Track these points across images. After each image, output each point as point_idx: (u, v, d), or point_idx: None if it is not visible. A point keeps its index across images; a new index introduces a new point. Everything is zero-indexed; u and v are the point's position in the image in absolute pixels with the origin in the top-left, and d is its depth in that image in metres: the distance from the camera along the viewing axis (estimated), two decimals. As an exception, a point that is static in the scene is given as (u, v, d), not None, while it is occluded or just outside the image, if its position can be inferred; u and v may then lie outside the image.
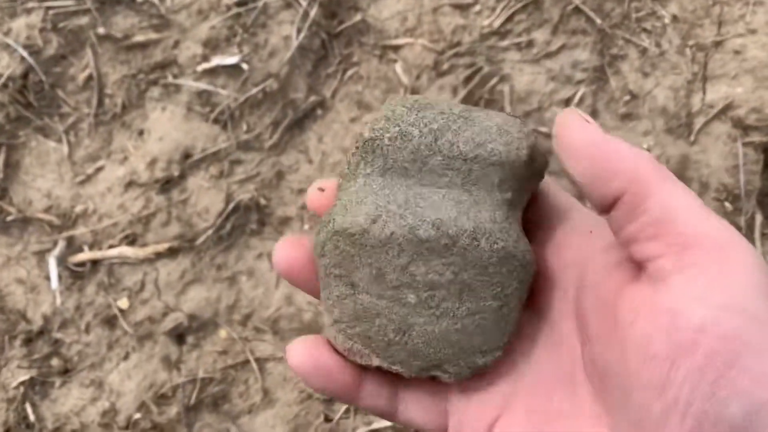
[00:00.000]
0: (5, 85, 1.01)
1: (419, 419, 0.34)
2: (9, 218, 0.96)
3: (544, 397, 0.31)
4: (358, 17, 1.02)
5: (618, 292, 0.28)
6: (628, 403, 0.26)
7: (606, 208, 0.28)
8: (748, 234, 0.90)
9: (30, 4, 1.05)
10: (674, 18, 0.99)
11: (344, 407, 0.85)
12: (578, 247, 0.33)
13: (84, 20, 1.05)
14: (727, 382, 0.23)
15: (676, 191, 0.26)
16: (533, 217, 0.34)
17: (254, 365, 0.88)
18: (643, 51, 0.98)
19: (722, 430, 0.23)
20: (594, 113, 0.96)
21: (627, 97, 0.96)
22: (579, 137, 0.28)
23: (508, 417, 0.32)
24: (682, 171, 0.92)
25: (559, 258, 0.34)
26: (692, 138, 0.94)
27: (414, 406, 0.34)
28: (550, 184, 0.34)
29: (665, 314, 0.25)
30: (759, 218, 0.90)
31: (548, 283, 0.34)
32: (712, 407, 0.23)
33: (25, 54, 1.02)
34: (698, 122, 0.94)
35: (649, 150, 0.94)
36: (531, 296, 0.34)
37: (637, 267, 0.28)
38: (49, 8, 1.05)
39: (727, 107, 0.94)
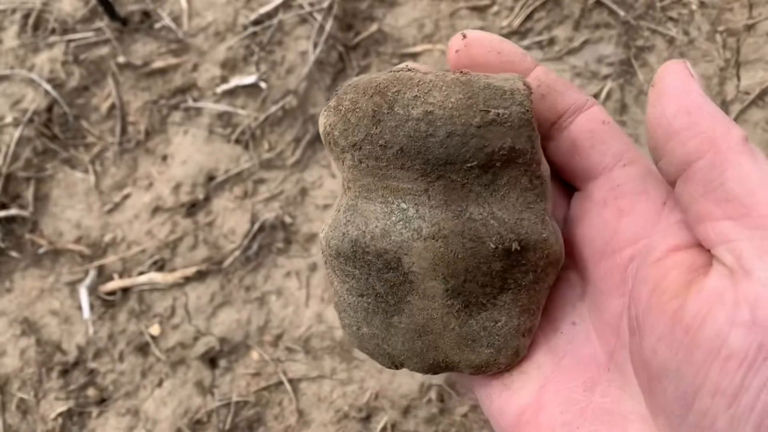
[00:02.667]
0: (31, 120, 1.02)
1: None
2: (41, 250, 0.97)
3: (582, 386, 0.28)
4: (374, 27, 1.01)
5: (686, 282, 0.25)
6: (688, 409, 0.23)
7: (677, 172, 0.25)
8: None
9: (51, 39, 1.07)
10: (701, 4, 0.96)
11: (381, 426, 0.83)
12: (639, 214, 0.28)
13: (104, 50, 1.06)
14: None
15: (761, 166, 0.23)
16: (577, 165, 0.30)
17: (288, 386, 0.86)
18: (671, 40, 0.94)
19: None
20: (623, 107, 0.92)
21: (657, 89, 0.93)
22: (675, 85, 0.25)
23: (538, 406, 0.29)
24: (720, 162, 0.89)
25: (613, 221, 0.29)
26: (729, 127, 0.90)
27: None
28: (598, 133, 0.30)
29: (745, 309, 0.22)
30: (806, 206, 0.86)
31: (597, 250, 0.29)
32: None
33: (48, 88, 1.03)
34: (734, 110, 0.90)
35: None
36: (579, 264, 0.30)
37: (707, 254, 0.25)
38: (70, 41, 1.06)
39: (764, 92, 0.90)
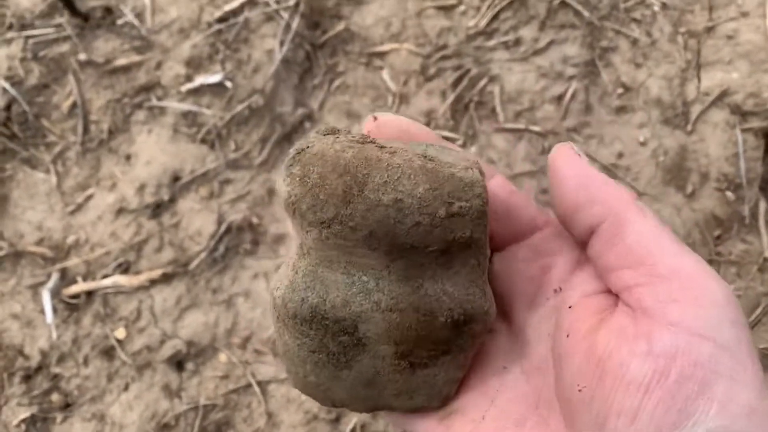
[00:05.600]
0: (-11, 119, 0.99)
1: None
2: (1, 253, 0.95)
3: (513, 423, 0.31)
4: (341, 26, 1.00)
5: (597, 322, 0.29)
6: (601, 430, 0.27)
7: (586, 235, 0.30)
8: (753, 222, 0.88)
9: (9, 35, 1.04)
10: (664, 5, 0.97)
11: (350, 427, 0.84)
12: (558, 270, 0.34)
13: (65, 47, 1.03)
14: (694, 408, 0.25)
15: (652, 223, 0.29)
16: (507, 229, 0.35)
17: (256, 388, 0.86)
18: (634, 41, 0.96)
19: None
20: (587, 108, 0.94)
21: (620, 90, 0.94)
22: (569, 167, 0.30)
23: None
24: (680, 162, 0.90)
25: (537, 277, 0.34)
26: (689, 127, 0.91)
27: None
28: (522, 197, 0.35)
29: (643, 342, 0.27)
30: (763, 206, 0.88)
31: (524, 302, 0.34)
32: None
33: (6, 86, 1.00)
34: (695, 111, 0.92)
35: (645, 142, 0.92)
36: (507, 314, 0.35)
37: (614, 297, 0.30)
38: (28, 37, 1.03)
39: (724, 94, 0.92)
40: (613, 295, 0.30)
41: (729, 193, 0.88)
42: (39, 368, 0.90)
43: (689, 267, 0.27)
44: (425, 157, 0.29)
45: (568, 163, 0.30)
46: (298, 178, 0.28)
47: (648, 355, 0.26)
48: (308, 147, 0.29)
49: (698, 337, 0.26)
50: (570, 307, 0.31)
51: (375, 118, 0.33)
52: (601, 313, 0.30)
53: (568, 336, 0.30)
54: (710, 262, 0.87)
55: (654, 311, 0.27)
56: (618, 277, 0.29)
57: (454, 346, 0.31)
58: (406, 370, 0.30)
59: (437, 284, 0.29)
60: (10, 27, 1.05)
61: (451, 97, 0.95)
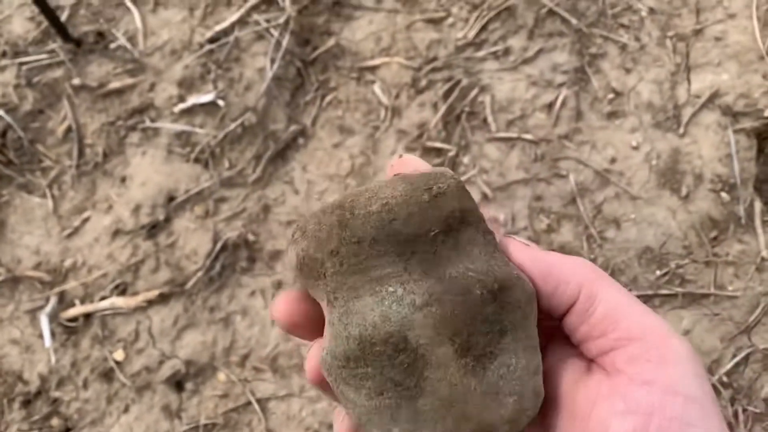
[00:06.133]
0: (-16, 146, 1.00)
1: None
2: (-1, 279, 0.95)
3: None
4: (332, 42, 1.01)
5: (574, 384, 0.32)
6: None
7: (563, 313, 0.32)
8: (749, 222, 0.87)
9: (3, 62, 1.05)
10: (651, 10, 0.98)
11: (351, 441, 0.83)
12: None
13: (58, 72, 1.04)
14: None
15: (617, 291, 0.31)
16: None
17: (256, 406, 0.86)
18: (623, 47, 0.96)
19: None
20: (578, 115, 0.94)
21: (611, 95, 0.94)
22: (524, 258, 0.32)
23: None
24: (674, 165, 0.90)
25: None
26: (681, 130, 0.91)
27: None
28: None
29: (619, 400, 0.29)
30: (758, 205, 0.88)
31: None
32: None
33: (1, 112, 1.01)
34: (686, 113, 0.92)
35: (638, 146, 0.92)
36: None
37: (587, 361, 0.32)
38: (22, 64, 1.04)
39: (714, 95, 0.92)
40: (587, 359, 0.32)
41: (724, 194, 0.88)
42: (38, 393, 0.90)
43: (655, 327, 0.30)
44: (395, 175, 0.32)
45: (522, 255, 0.32)
46: (299, 236, 0.31)
47: (627, 413, 0.28)
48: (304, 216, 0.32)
49: (671, 394, 0.28)
50: (547, 373, 0.33)
51: (401, 156, 0.35)
52: (577, 374, 0.32)
53: (552, 400, 0.32)
54: (708, 263, 0.86)
55: (627, 371, 0.29)
56: (593, 346, 0.31)
57: (506, 323, 0.30)
58: (476, 368, 0.30)
59: (458, 266, 0.30)
60: (4, 54, 1.06)
61: (442, 109, 0.95)
